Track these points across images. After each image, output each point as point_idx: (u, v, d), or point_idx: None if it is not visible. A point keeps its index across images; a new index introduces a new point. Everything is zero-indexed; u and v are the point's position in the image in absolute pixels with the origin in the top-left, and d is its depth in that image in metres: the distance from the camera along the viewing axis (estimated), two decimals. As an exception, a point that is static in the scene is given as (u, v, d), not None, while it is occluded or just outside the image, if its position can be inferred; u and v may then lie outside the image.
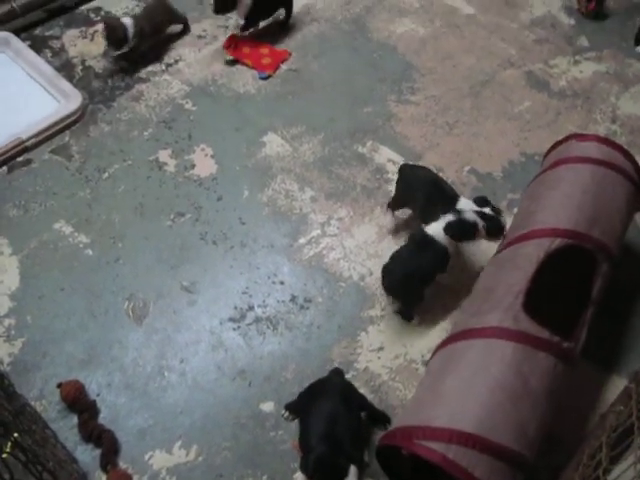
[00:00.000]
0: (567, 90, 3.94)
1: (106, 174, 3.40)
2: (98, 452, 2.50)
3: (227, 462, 2.52)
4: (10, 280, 3.00)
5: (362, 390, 2.64)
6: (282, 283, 3.03)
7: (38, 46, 3.98)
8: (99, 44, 3.92)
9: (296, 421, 2.55)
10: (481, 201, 2.98)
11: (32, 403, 2.61)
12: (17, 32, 4.00)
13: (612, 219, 2.68)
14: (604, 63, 4.12)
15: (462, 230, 2.80)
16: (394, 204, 3.15)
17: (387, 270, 2.82)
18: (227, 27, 4.18)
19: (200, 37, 4.12)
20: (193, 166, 3.45)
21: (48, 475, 1.90)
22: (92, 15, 4.22)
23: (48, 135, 3.51)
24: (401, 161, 3.48)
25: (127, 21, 3.68)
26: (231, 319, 2.91)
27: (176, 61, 3.98)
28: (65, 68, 3.80)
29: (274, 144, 3.56)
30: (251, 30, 4.09)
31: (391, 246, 3.13)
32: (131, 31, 3.68)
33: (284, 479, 2.49)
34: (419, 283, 2.83)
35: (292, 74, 3.93)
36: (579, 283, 2.56)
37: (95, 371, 2.74)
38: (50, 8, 4.19)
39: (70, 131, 3.57)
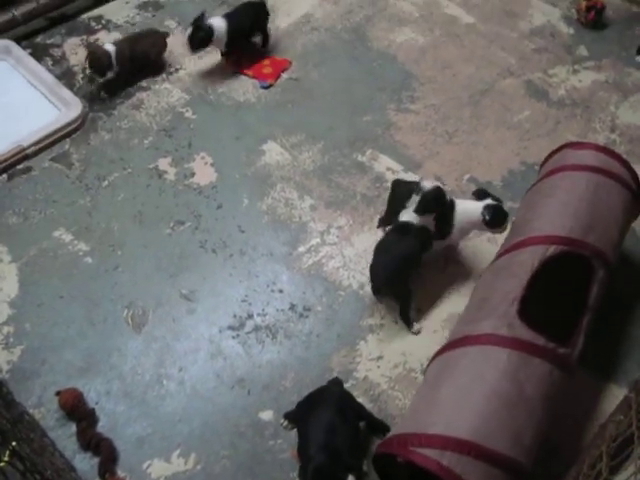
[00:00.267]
0: (566, 99, 3.95)
1: (106, 182, 3.41)
2: (96, 460, 2.50)
3: (226, 471, 2.52)
4: (9, 287, 3.00)
5: (361, 399, 2.64)
6: (281, 291, 3.03)
7: (39, 54, 4.00)
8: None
9: (295, 430, 2.54)
10: (481, 193, 3.01)
11: (30, 411, 2.61)
12: (18, 40, 4.02)
13: (608, 226, 2.69)
14: (603, 72, 4.13)
15: (434, 202, 2.84)
16: (386, 219, 3.15)
17: (376, 265, 2.84)
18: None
19: (200, 46, 4.12)
20: (193, 174, 3.45)
21: (46, 484, 1.89)
22: (93, 24, 4.24)
23: (48, 143, 3.52)
24: (400, 170, 3.49)
25: (110, 48, 3.65)
26: (230, 327, 2.91)
27: (176, 69, 4.00)
28: (66, 76, 3.82)
29: (274, 152, 3.57)
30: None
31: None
32: (114, 58, 3.65)
33: (283, 488, 2.48)
34: (408, 268, 2.87)
35: (292, 83, 3.95)
36: (576, 290, 2.56)
37: (94, 379, 2.74)
38: (51, 16, 4.21)
39: (70, 139, 3.58)
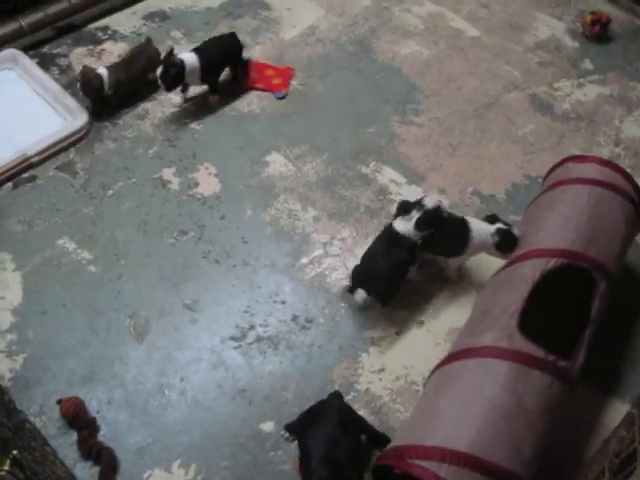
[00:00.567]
0: (571, 113, 3.96)
1: (110, 191, 3.42)
2: (97, 470, 2.49)
3: (226, 482, 2.52)
4: (13, 295, 3.00)
5: (362, 412, 2.64)
6: (283, 303, 3.04)
7: (46, 64, 4.01)
8: (106, 62, 3.93)
9: (296, 442, 2.54)
10: (491, 218, 3.01)
11: (32, 419, 2.60)
12: (25, 49, 4.03)
13: (610, 239, 2.69)
14: (608, 86, 4.14)
15: (432, 220, 2.87)
16: None
17: (365, 271, 2.89)
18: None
19: (206, 56, 4.13)
20: (197, 184, 3.46)
21: (46, 493, 1.89)
22: (100, 34, 4.25)
23: (53, 152, 3.53)
24: (404, 182, 3.50)
25: (103, 71, 3.61)
26: (232, 338, 2.91)
27: (181, 80, 4.01)
28: (72, 86, 3.82)
29: (277, 164, 3.58)
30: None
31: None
32: (107, 81, 3.62)
33: (283, 500, 2.48)
34: (402, 278, 2.93)
35: (297, 94, 3.96)
36: (578, 303, 2.56)
37: (96, 388, 2.74)
38: (58, 26, 4.22)
39: (75, 148, 3.59)
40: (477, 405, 2.21)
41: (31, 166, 3.46)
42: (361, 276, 2.91)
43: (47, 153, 3.50)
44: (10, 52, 3.96)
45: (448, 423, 2.20)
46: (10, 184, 3.41)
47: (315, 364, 2.85)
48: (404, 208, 2.94)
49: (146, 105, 3.84)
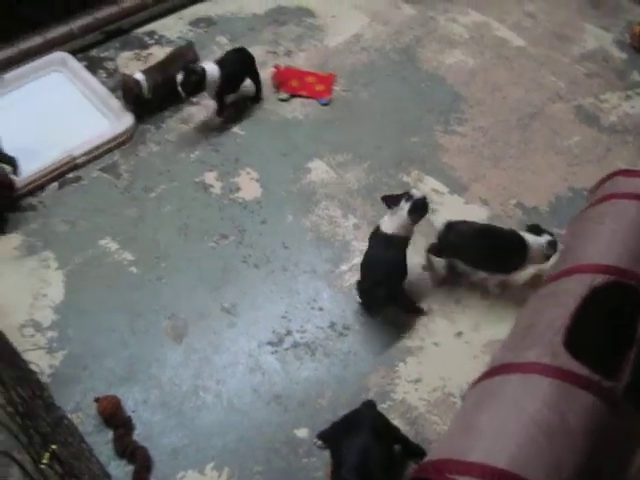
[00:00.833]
0: (617, 125, 3.89)
1: (153, 194, 3.45)
2: (131, 468, 2.52)
3: (259, 486, 2.52)
4: (55, 293, 3.05)
5: (398, 422, 2.62)
6: (321, 309, 3.03)
7: (94, 67, 4.09)
8: (152, 66, 3.99)
9: (329, 449, 2.53)
10: (535, 229, 3.01)
11: (69, 416, 2.64)
12: (74, 53, 4.11)
13: (660, 255, 2.62)
14: (657, 99, 4.07)
15: (423, 208, 2.92)
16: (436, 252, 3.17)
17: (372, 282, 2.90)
18: (276, 53, 4.23)
19: (251, 62, 4.16)
20: (238, 189, 3.48)
21: (82, 489, 1.91)
22: (146, 38, 4.32)
23: (98, 153, 3.59)
24: (446, 191, 3.48)
25: (140, 77, 3.68)
26: (269, 343, 2.92)
27: (226, 85, 4.04)
28: (118, 89, 3.87)
29: (319, 170, 3.58)
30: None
31: (432, 275, 3.13)
32: (145, 86, 3.68)
33: (316, 507, 2.47)
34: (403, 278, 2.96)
35: (340, 102, 3.96)
36: (624, 321, 2.50)
37: (132, 387, 2.76)
38: (107, 30, 4.30)
39: (120, 150, 3.64)
40: (518, 420, 2.16)
41: (76, 167, 3.52)
42: (369, 288, 2.92)
43: (92, 154, 3.57)
44: (60, 55, 4.04)
45: (488, 438, 2.16)
46: (56, 184, 3.47)
47: (351, 372, 2.83)
48: (389, 202, 2.93)
49: (190, 109, 3.87)
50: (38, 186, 3.44)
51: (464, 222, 3.04)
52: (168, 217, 3.36)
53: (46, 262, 3.16)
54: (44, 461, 1.60)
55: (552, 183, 3.57)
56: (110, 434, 2.60)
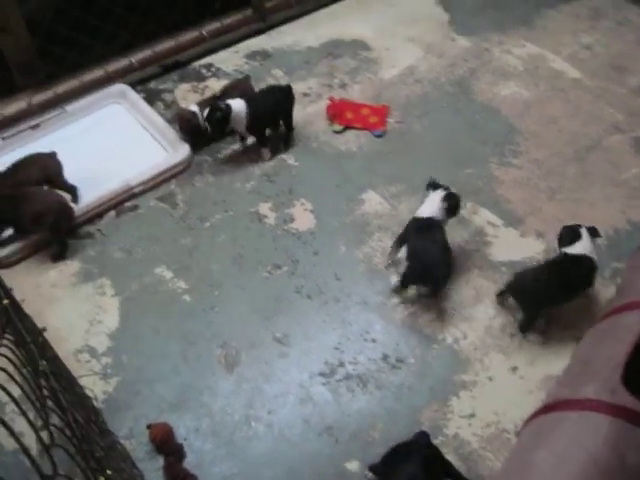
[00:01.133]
0: (678, 159, 3.81)
1: (208, 223, 3.49)
2: (181, 497, 2.52)
3: (309, 520, 2.49)
4: (110, 320, 3.10)
5: (450, 457, 2.57)
6: (374, 341, 3.01)
7: (152, 98, 4.18)
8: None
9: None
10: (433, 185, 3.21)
11: (122, 441, 2.66)
12: (133, 85, 4.22)
13: None
14: None
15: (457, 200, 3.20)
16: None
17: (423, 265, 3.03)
18: (331, 85, 4.27)
19: (305, 95, 4.21)
20: (292, 220, 3.50)
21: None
22: (204, 71, 4.40)
23: (156, 183, 3.66)
24: (501, 224, 3.44)
25: (195, 109, 3.74)
26: (321, 374, 2.90)
27: (280, 117, 4.08)
28: (175, 120, 3.95)
29: (373, 202, 3.58)
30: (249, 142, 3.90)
31: (487, 309, 3.09)
32: (201, 117, 3.71)
33: (366, 543, 2.43)
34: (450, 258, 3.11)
35: (394, 133, 3.96)
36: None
37: (184, 415, 2.78)
38: (165, 63, 4.42)
39: (176, 180, 3.70)
40: (576, 460, 2.11)
41: (134, 196, 3.59)
42: (420, 270, 3.04)
43: (149, 184, 3.63)
44: (119, 87, 4.15)
45: (545, 476, 2.11)
46: (114, 212, 3.54)
47: (404, 405, 2.80)
48: (433, 185, 3.22)
49: (246, 141, 3.92)
50: (96, 214, 3.51)
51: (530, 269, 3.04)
52: (222, 246, 3.39)
53: (102, 289, 3.21)
54: (100, 486, 1.61)
55: (610, 216, 3.50)
56: (161, 461, 2.61)
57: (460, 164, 3.78)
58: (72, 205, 3.41)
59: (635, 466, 2.11)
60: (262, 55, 4.53)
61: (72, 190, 3.50)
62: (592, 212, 3.51)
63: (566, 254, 2.95)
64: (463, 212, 3.48)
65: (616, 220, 3.48)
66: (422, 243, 3.05)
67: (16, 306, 2.53)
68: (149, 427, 2.67)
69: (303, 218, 3.52)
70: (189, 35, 4.46)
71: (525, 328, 3.01)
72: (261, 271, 3.28)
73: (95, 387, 2.85)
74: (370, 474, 2.56)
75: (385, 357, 2.95)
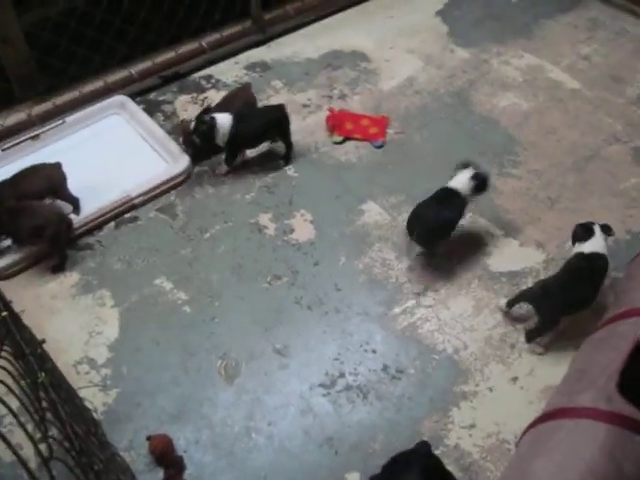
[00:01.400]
0: (678, 169, 3.82)
1: (207, 234, 3.49)
2: (182, 509, 2.51)
3: (309, 532, 2.48)
4: (110, 331, 3.09)
5: (451, 468, 2.55)
6: (374, 352, 3.00)
7: (151, 109, 4.18)
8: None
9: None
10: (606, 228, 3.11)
11: (122, 453, 2.65)
12: (133, 96, 4.22)
13: None
14: None
15: (484, 180, 3.26)
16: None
17: (417, 218, 3.22)
18: (330, 96, 4.27)
19: (305, 106, 4.22)
20: (292, 230, 3.50)
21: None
22: (203, 82, 4.41)
23: (155, 194, 3.65)
24: (500, 234, 3.44)
25: None
26: (321, 385, 2.90)
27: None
28: (175, 131, 3.96)
29: (373, 212, 3.58)
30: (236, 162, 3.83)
31: (487, 319, 3.09)
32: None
33: None
34: (446, 231, 3.25)
35: (393, 144, 3.97)
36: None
37: (184, 427, 2.76)
38: (165, 75, 4.43)
39: (176, 191, 3.70)
40: (574, 469, 2.11)
41: (134, 207, 3.59)
42: (408, 220, 3.25)
43: (149, 195, 3.63)
44: (119, 98, 4.15)
45: (544, 486, 2.11)
46: (113, 223, 3.54)
47: (404, 416, 2.79)
48: (464, 164, 3.32)
49: (246, 152, 3.92)
50: (96, 225, 3.51)
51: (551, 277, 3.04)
52: (222, 257, 3.39)
53: (102, 300, 3.21)
54: (100, 499, 1.60)
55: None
56: (161, 473, 2.60)
57: (459, 174, 3.78)
58: (72, 216, 3.41)
59: (632, 475, 2.11)
60: (261, 66, 4.54)
61: (74, 202, 3.50)
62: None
63: (580, 253, 2.99)
64: (462, 222, 3.48)
65: (615, 230, 3.46)
66: (426, 201, 3.23)
67: (15, 318, 2.53)
68: (149, 439, 2.65)
69: (303, 229, 3.52)
70: (189, 46, 4.47)
71: (532, 337, 2.99)
72: (261, 282, 3.28)
73: (95, 399, 2.84)
74: (371, 485, 2.56)
75: (385, 368, 2.94)
